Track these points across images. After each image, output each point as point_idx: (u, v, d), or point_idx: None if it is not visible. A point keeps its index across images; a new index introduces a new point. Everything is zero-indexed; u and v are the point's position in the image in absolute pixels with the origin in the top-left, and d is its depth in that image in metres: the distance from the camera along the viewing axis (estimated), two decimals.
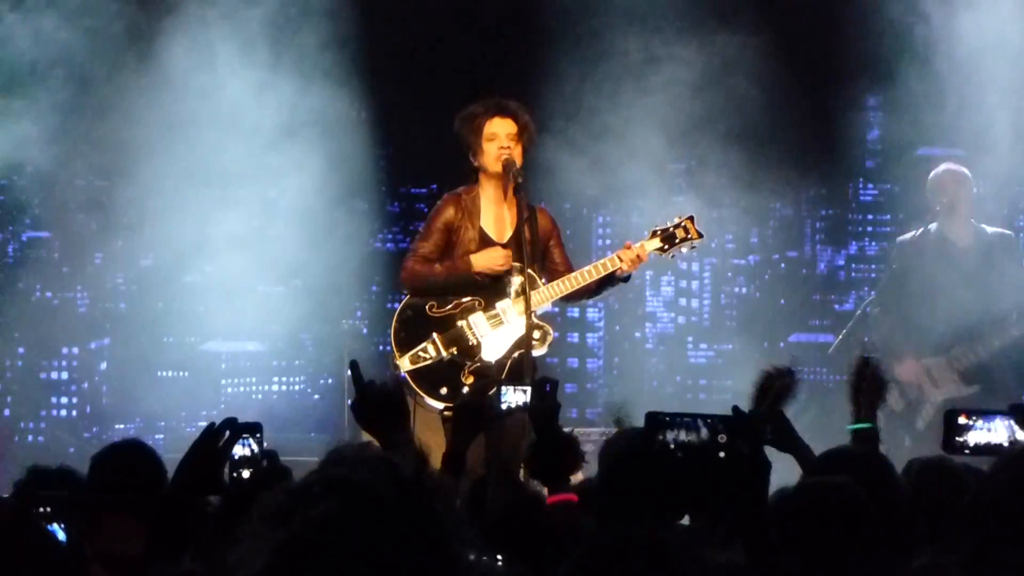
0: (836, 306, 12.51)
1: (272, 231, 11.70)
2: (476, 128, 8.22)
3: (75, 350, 11.87)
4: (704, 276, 12.68)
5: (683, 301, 12.71)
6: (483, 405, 5.78)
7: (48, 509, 4.57)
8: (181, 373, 11.91)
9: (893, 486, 4.37)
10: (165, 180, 11.17)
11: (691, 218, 8.48)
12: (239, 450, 4.32)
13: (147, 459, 5.08)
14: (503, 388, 5.91)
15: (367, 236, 12.31)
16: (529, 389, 5.88)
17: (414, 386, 8.13)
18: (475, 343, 8.25)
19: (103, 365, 11.98)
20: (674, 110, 11.38)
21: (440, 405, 8.12)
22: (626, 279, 8.36)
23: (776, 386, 5.24)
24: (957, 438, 4.98)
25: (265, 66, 11.03)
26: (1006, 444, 4.88)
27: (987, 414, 5.01)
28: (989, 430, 4.96)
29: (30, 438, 11.79)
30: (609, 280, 8.31)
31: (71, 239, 11.78)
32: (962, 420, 4.98)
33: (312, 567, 1.90)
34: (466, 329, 8.26)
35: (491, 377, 8.03)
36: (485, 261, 8.23)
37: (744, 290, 12.67)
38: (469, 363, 8.24)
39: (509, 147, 8.17)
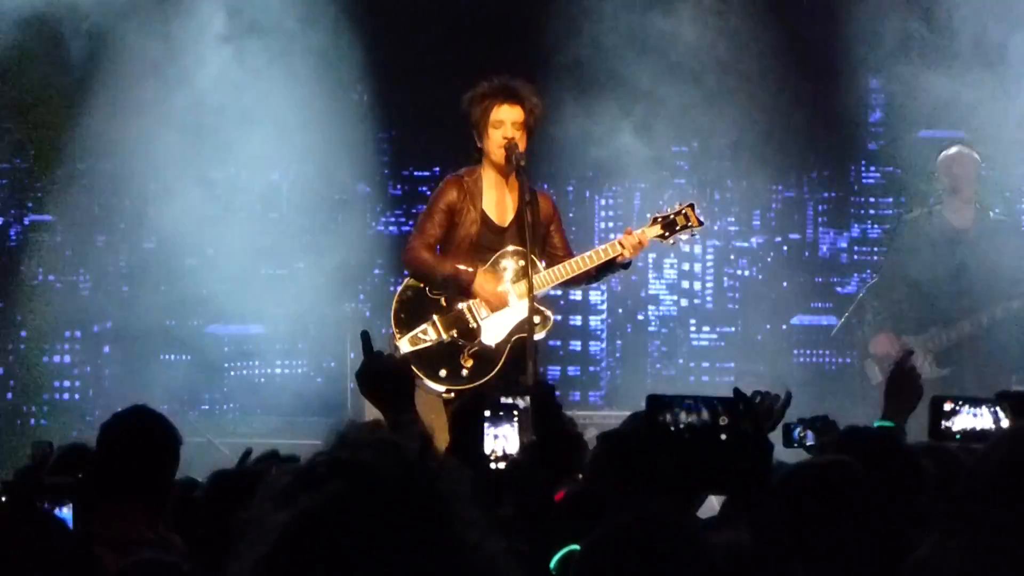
0: (838, 289, 12.51)
1: (275, 214, 11.71)
2: (483, 111, 8.18)
3: (78, 334, 11.87)
4: (707, 259, 12.68)
5: (686, 284, 12.70)
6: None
7: (55, 494, 4.50)
8: (184, 356, 11.91)
9: (908, 467, 4.34)
10: (167, 163, 11.17)
11: (691, 206, 8.46)
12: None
13: (159, 430, 4.91)
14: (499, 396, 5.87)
15: (370, 219, 12.31)
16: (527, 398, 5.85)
17: (413, 368, 8.10)
18: (475, 326, 8.23)
19: (106, 349, 11.98)
20: (676, 92, 11.37)
21: (439, 388, 8.11)
22: (626, 265, 8.35)
23: (760, 407, 5.20)
24: (944, 423, 4.97)
25: (267, 49, 11.02)
26: (992, 430, 4.87)
27: (973, 401, 5.01)
28: (975, 415, 4.95)
29: (32, 422, 11.80)
30: (609, 266, 8.29)
31: (74, 222, 11.77)
32: (948, 406, 4.97)
33: (318, 548, 1.91)
34: (466, 312, 8.24)
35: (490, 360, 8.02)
36: (488, 293, 8.20)
37: (746, 272, 12.67)
38: (469, 346, 8.22)
39: (514, 136, 8.14)
